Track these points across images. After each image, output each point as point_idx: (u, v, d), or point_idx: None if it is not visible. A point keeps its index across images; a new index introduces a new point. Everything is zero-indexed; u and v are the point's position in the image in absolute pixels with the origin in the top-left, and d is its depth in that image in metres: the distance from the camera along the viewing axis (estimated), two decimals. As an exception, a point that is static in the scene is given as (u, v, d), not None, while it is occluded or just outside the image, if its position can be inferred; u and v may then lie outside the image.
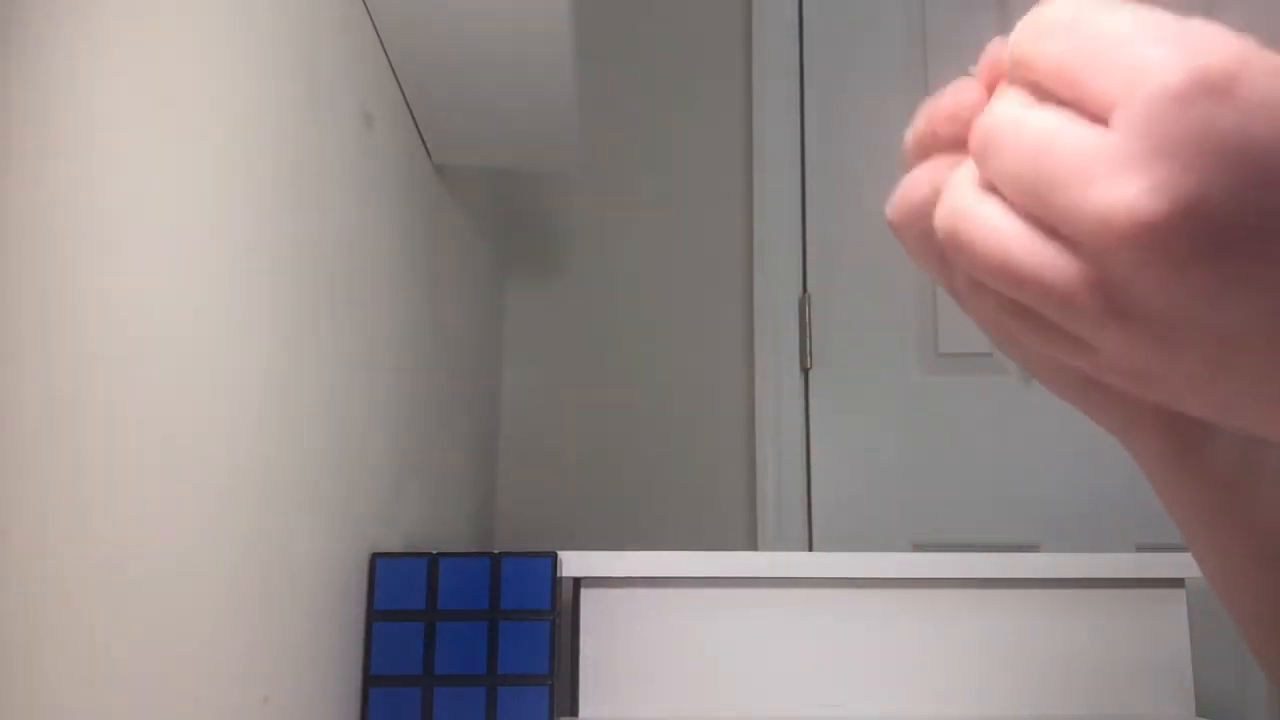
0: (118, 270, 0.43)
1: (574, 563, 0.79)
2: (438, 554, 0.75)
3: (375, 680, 0.72)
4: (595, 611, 0.80)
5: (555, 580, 0.74)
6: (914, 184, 0.31)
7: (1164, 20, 0.24)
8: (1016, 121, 0.26)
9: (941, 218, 0.28)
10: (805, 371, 1.54)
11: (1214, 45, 0.23)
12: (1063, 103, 0.26)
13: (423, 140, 0.98)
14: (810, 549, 1.47)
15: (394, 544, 0.84)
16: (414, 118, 0.94)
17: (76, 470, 0.40)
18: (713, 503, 1.51)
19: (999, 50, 0.29)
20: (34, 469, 0.37)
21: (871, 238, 1.63)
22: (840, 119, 1.59)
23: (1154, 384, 0.27)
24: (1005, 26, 0.31)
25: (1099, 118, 0.24)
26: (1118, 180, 0.23)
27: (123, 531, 0.43)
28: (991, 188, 0.27)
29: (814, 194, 1.59)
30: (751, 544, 1.48)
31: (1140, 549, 0.84)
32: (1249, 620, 0.40)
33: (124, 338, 0.43)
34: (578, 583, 0.81)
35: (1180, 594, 0.81)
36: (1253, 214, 0.23)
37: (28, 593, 0.37)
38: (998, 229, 0.26)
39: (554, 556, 0.75)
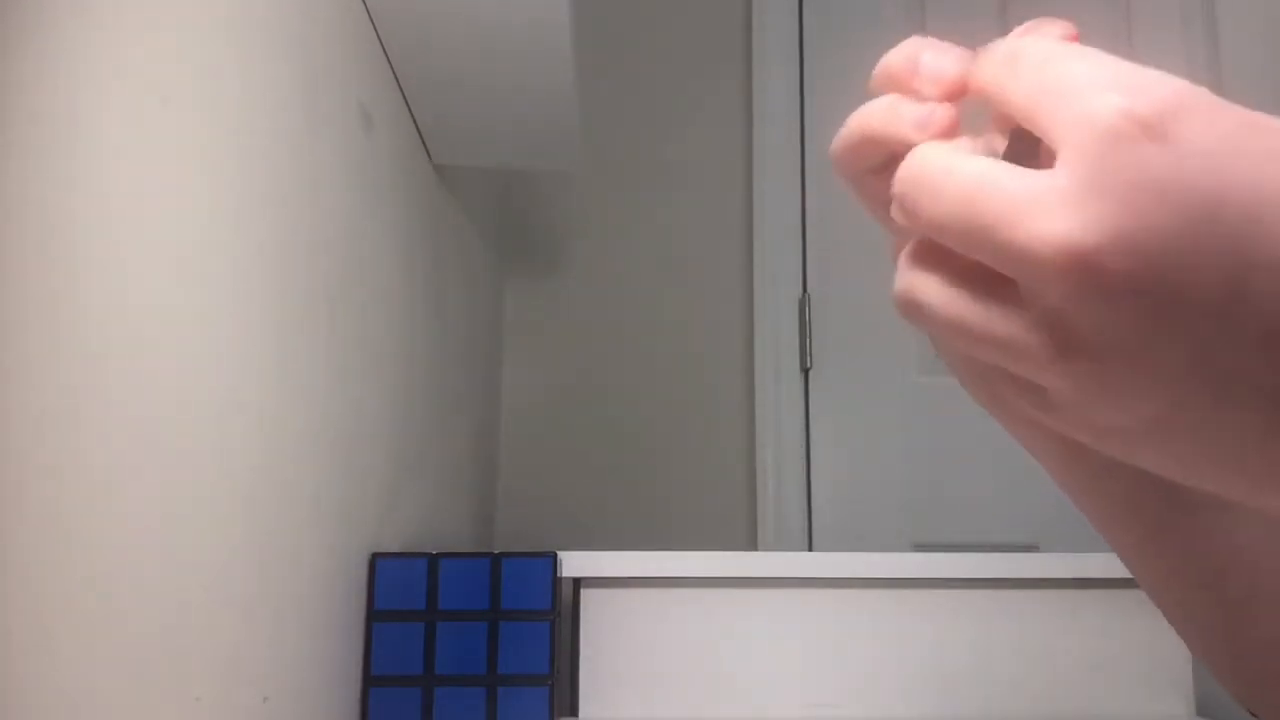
0: (116, 270, 0.43)
1: (574, 563, 0.79)
2: (438, 554, 0.75)
3: (375, 680, 0.72)
4: (595, 611, 0.80)
5: (555, 580, 0.74)
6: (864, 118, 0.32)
7: (1117, 66, 0.25)
8: (948, 168, 0.27)
9: (897, 294, 0.29)
10: (805, 371, 1.54)
11: (1155, 89, 0.24)
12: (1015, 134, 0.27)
13: (423, 140, 0.98)
14: (810, 549, 1.47)
15: (394, 544, 0.84)
16: (414, 118, 0.94)
17: (75, 471, 0.40)
18: (713, 503, 1.51)
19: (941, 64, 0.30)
20: (33, 470, 0.37)
21: (871, 238, 1.63)
22: (840, 119, 1.59)
23: (1112, 437, 0.27)
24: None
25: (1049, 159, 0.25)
26: (1055, 214, 0.23)
27: (122, 532, 0.43)
28: (929, 246, 0.28)
29: (814, 194, 1.59)
30: (751, 544, 1.48)
31: (1140, 549, 0.84)
32: (1195, 637, 0.40)
33: (122, 337, 0.43)
34: (578, 583, 0.81)
35: (1180, 594, 0.81)
36: (1185, 254, 0.23)
37: (27, 593, 0.37)
38: (944, 297, 0.27)
39: (554, 556, 0.75)
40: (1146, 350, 0.24)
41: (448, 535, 1.11)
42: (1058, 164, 0.24)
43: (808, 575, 0.82)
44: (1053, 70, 0.25)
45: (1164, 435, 0.25)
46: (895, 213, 0.28)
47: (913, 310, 0.28)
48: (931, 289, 0.27)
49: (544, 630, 0.73)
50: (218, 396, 0.52)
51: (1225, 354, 0.23)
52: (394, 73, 0.87)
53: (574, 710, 0.79)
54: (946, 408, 1.51)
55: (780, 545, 1.47)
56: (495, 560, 0.74)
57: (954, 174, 0.26)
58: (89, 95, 0.41)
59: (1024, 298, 0.25)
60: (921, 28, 1.59)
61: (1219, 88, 0.24)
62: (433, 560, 0.74)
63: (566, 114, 0.94)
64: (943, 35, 0.35)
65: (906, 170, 0.28)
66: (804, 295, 1.56)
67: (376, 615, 0.74)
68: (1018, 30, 0.30)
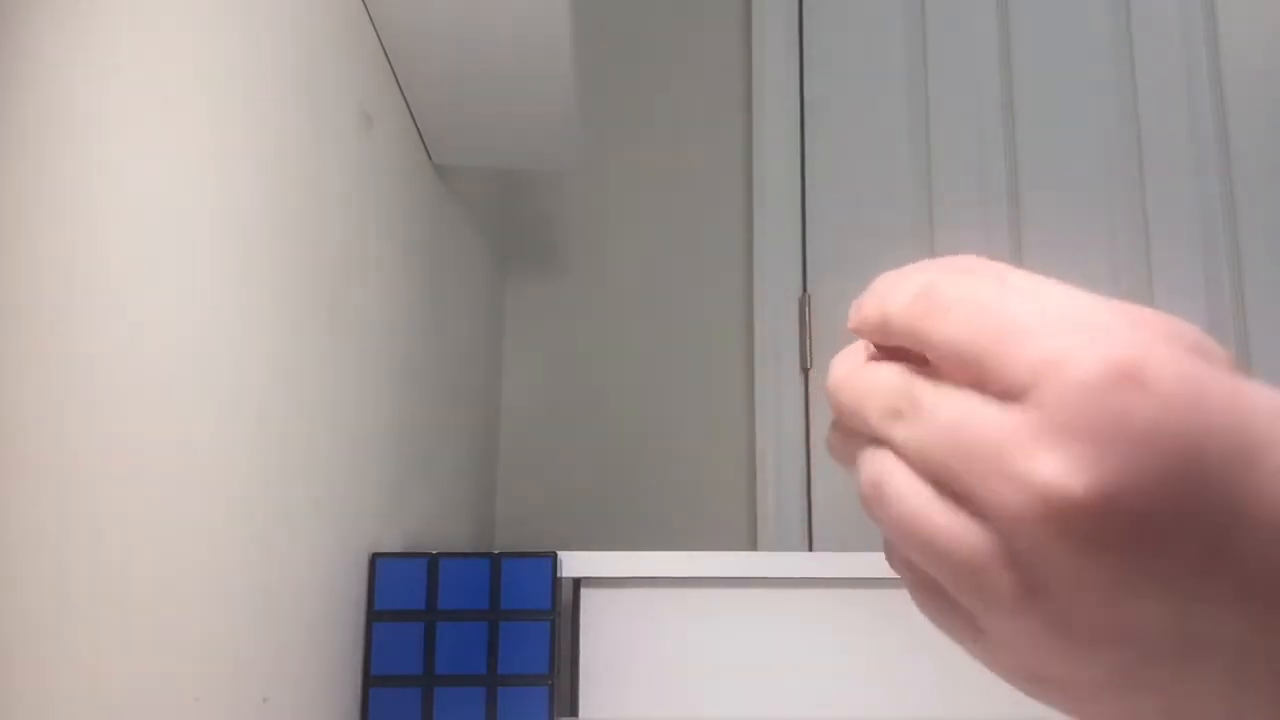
0: (117, 271, 0.43)
1: (574, 563, 0.79)
2: (438, 554, 0.75)
3: (375, 680, 0.72)
4: (595, 611, 0.80)
5: (555, 580, 0.74)
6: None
7: (1062, 304, 0.24)
8: (934, 402, 0.26)
9: (864, 480, 0.28)
10: (805, 371, 1.54)
11: (1123, 334, 0.23)
12: (959, 382, 0.25)
13: (423, 140, 0.98)
14: (810, 549, 1.47)
15: (394, 544, 0.84)
16: (414, 118, 0.94)
17: (75, 471, 0.40)
18: (713, 503, 1.51)
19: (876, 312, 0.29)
20: (34, 470, 0.37)
21: (871, 238, 1.64)
22: (840, 119, 1.59)
23: (1051, 688, 0.26)
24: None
25: (1005, 399, 0.24)
26: (1037, 456, 0.23)
27: (122, 532, 0.43)
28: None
29: (814, 194, 1.59)
30: (751, 544, 1.48)
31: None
32: None
33: (123, 338, 0.43)
34: (578, 583, 0.81)
35: (1180, 594, 0.81)
36: (1169, 506, 0.22)
37: (27, 594, 0.37)
38: (913, 490, 0.26)
39: (554, 556, 0.75)
40: (1120, 601, 0.23)
41: (448, 535, 1.11)
42: (1031, 405, 0.23)
43: (807, 575, 0.82)
44: (1000, 313, 0.24)
45: (1123, 689, 0.24)
46: (878, 423, 0.27)
47: (876, 499, 0.27)
48: (902, 479, 0.26)
49: (544, 630, 0.73)
50: (217, 396, 0.52)
51: (1200, 606, 0.23)
52: (394, 73, 0.87)
53: (574, 710, 0.79)
54: (946, 408, 1.51)
55: (780, 545, 1.47)
56: (495, 560, 0.74)
57: (935, 408, 0.25)
58: (89, 95, 0.41)
59: (995, 527, 0.24)
60: (921, 28, 1.60)
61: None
62: (433, 560, 0.74)
63: (566, 114, 0.94)
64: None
65: (881, 396, 0.27)
66: (804, 295, 1.56)
67: (376, 615, 0.74)
68: (919, 266, 0.29)
